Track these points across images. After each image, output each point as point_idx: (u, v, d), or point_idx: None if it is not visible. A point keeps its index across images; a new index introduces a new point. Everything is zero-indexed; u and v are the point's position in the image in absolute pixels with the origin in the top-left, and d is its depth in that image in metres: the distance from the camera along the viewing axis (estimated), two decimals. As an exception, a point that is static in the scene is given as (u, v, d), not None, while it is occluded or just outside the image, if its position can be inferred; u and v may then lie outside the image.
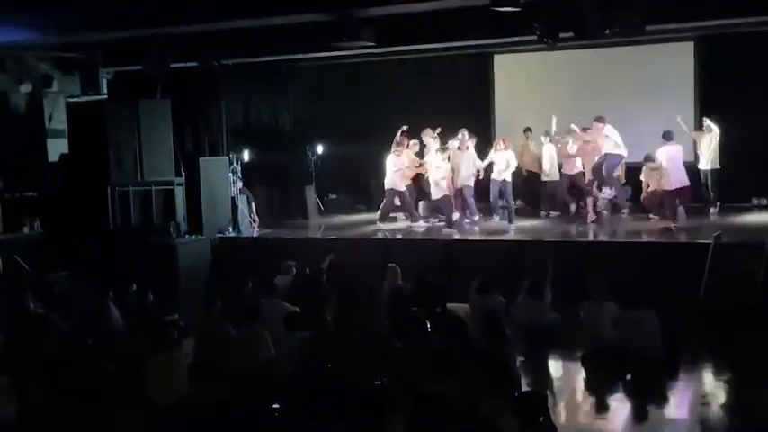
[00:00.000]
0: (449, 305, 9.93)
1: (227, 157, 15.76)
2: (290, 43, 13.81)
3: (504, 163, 15.36)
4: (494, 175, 15.49)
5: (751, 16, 12.60)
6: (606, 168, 14.57)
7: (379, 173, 16.23)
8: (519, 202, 16.45)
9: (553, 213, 16.13)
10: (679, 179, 14.33)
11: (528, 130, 16.73)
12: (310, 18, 12.23)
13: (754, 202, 16.04)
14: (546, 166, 16.18)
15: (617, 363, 9.18)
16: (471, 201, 15.54)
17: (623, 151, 14.54)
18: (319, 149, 17.98)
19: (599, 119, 14.63)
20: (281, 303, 9.98)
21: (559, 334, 10.21)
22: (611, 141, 14.44)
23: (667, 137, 14.45)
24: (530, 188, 16.79)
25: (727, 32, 14.57)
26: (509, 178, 15.41)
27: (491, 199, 15.65)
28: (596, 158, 14.74)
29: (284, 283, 11.31)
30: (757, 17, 12.77)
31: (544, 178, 16.30)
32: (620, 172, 15.38)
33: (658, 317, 9.30)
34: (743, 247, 11.90)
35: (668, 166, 14.31)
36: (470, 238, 14.10)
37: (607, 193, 15.22)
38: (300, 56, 15.70)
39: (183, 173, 15.20)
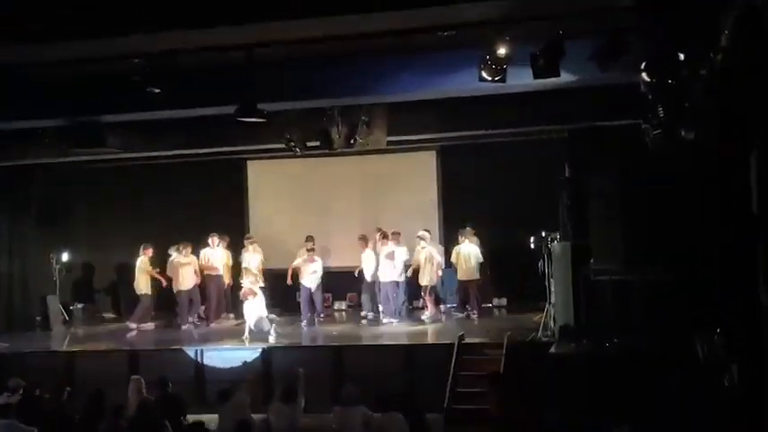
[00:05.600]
0: (200, 416, 9.66)
1: (-43, 267, 14.73)
2: (30, 148, 13.23)
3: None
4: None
5: (479, 129, 13.54)
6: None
7: (130, 279, 15.78)
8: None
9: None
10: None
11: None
12: (52, 123, 11.85)
13: (495, 302, 16.73)
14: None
15: (367, 467, 9.25)
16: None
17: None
18: (64, 257, 17.17)
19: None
20: (16, 425, 9.32)
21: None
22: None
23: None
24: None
25: (465, 143, 15.45)
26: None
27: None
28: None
29: (16, 402, 10.54)
30: (490, 130, 13.75)
31: None
32: None
33: (406, 419, 9.50)
34: (484, 346, 12.51)
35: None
36: (222, 345, 13.83)
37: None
38: (44, 160, 15.03)
39: None
